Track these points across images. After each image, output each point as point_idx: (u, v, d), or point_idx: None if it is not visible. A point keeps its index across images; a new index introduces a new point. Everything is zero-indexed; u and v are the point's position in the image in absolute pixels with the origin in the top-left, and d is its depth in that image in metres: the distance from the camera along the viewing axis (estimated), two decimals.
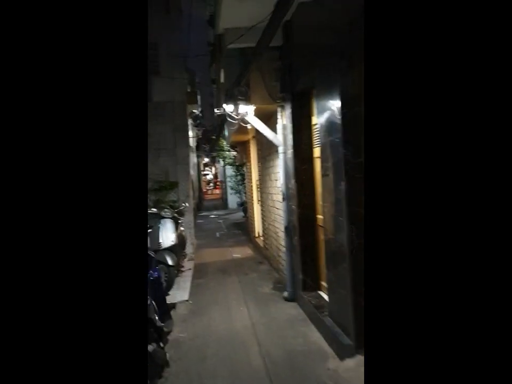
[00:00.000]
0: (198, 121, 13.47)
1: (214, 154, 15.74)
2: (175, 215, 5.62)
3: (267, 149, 5.49)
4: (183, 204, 5.40)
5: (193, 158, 14.56)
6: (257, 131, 4.65)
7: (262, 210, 6.54)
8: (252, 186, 7.84)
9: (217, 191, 30.97)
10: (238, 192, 14.99)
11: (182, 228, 5.38)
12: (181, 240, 5.16)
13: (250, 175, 7.83)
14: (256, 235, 7.75)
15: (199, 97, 8.67)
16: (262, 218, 6.58)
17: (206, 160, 30.96)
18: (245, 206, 13.26)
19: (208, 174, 36.64)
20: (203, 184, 28.68)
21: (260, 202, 6.84)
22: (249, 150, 7.73)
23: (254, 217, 7.86)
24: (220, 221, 12.47)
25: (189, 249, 6.39)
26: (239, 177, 14.20)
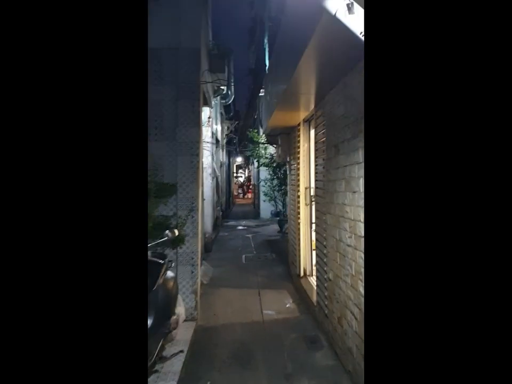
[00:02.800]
0: (226, 99, 10.90)
1: (248, 153, 13.13)
2: (159, 250, 3.04)
3: (347, 130, 2.77)
4: (168, 234, 2.72)
5: (220, 155, 12.02)
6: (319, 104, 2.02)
7: (318, 239, 3.78)
8: (297, 195, 5.10)
9: (249, 195, 28.67)
10: (272, 199, 12.29)
11: (169, 274, 2.73)
12: (164, 303, 2.51)
13: (297, 179, 5.09)
14: (301, 273, 4.99)
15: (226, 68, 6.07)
16: (318, 254, 3.82)
17: (239, 161, 28.65)
18: (281, 219, 10.55)
19: (241, 177, 34.33)
20: (234, 187, 26.30)
21: (314, 224, 4.10)
22: (298, 141, 5.00)
23: (298, 243, 5.11)
24: (249, 235, 9.81)
25: (189, 300, 3.73)
26: (275, 182, 11.52)
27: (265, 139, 8.10)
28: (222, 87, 6.56)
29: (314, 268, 4.89)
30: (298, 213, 5.03)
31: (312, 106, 3.88)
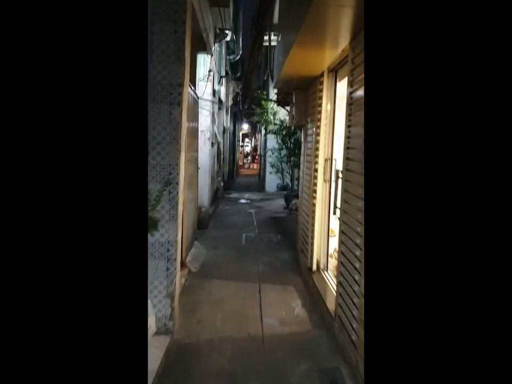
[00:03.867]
0: (233, 55, 9.58)
1: (255, 118, 11.88)
2: None
3: None
4: None
5: (224, 120, 10.78)
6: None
7: (346, 232, 2.69)
8: (314, 169, 3.98)
9: (255, 166, 27.52)
10: (279, 171, 11.16)
11: None
12: None
13: (315, 148, 3.95)
14: (313, 265, 3.95)
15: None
16: (344, 253, 2.73)
17: (246, 129, 27.27)
18: (288, 194, 9.46)
19: (247, 146, 33.02)
20: (239, 157, 25.12)
21: (340, 209, 3.00)
22: (320, 99, 3.82)
23: (312, 228, 4.05)
24: (252, 210, 8.77)
25: (162, 307, 2.71)
26: (283, 152, 10.35)
27: (276, 99, 6.87)
28: (227, 31, 5.29)
29: (331, 260, 3.84)
30: (314, 191, 3.92)
31: (347, 40, 2.69)
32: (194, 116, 4.84)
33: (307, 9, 2.21)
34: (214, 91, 7.12)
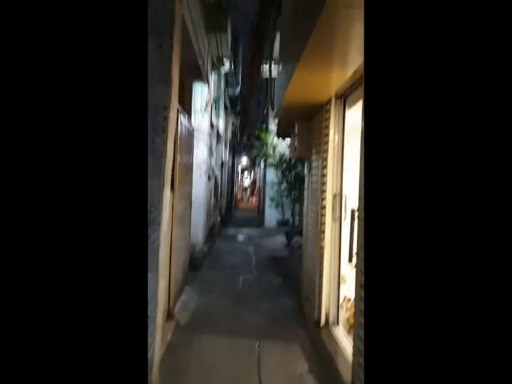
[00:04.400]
0: (232, 88, 9.37)
1: (254, 151, 11.58)
2: None
3: None
4: None
5: (222, 153, 10.45)
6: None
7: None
8: (321, 205, 3.51)
9: (254, 200, 27.17)
10: (279, 206, 10.71)
11: None
12: None
13: (322, 182, 3.51)
14: (322, 318, 3.39)
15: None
16: (362, 310, 2.21)
17: (245, 162, 27.13)
18: (290, 230, 8.95)
19: (246, 178, 32.82)
20: (238, 190, 24.77)
21: (356, 256, 2.50)
22: (326, 128, 3.44)
23: (320, 273, 3.54)
24: (250, 248, 8.23)
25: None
26: (283, 186, 9.94)
27: (276, 131, 6.54)
28: (224, 59, 5.00)
29: (342, 312, 3.29)
30: (322, 231, 3.44)
31: (360, 59, 2.31)
32: (188, 149, 4.44)
33: (314, 23, 1.85)
34: (211, 124, 6.80)
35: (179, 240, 4.02)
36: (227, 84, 9.79)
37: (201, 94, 5.88)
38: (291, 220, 9.93)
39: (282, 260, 7.14)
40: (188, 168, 4.52)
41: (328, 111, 3.37)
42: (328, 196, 3.35)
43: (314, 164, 3.87)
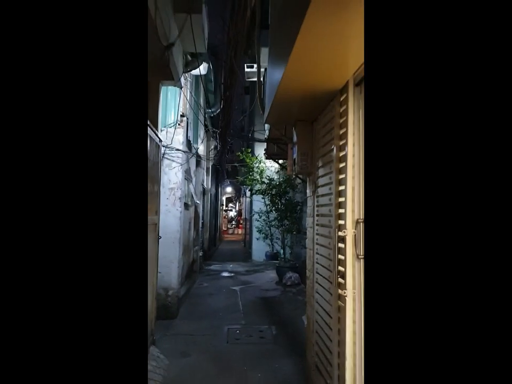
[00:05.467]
0: (213, 109, 8.49)
1: (239, 178, 10.60)
2: None
3: None
4: None
5: (204, 180, 9.40)
6: None
7: None
8: (337, 236, 2.46)
9: (240, 231, 25.99)
10: (268, 238, 9.63)
11: None
12: None
13: (336, 205, 2.48)
14: None
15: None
16: None
17: (229, 192, 26.13)
18: (282, 266, 7.81)
19: (231, 211, 31.68)
20: (222, 222, 23.61)
21: None
22: (342, 128, 2.46)
23: (338, 337, 2.43)
24: (236, 287, 7.03)
25: None
26: (272, 215, 8.89)
27: (265, 150, 5.57)
28: (200, 52, 4.06)
29: None
30: (341, 275, 2.38)
31: None
32: (153, 165, 3.40)
33: None
34: (188, 142, 5.81)
35: None
36: (208, 102, 8.92)
37: (174, 101, 4.91)
38: (282, 253, 8.85)
39: (275, 302, 5.98)
40: (153, 193, 3.46)
41: (344, 103, 2.41)
42: (348, 223, 2.32)
43: (322, 181, 2.87)
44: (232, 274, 8.54)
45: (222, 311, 5.40)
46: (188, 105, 5.57)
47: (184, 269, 6.13)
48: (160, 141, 3.67)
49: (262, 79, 3.40)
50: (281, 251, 10.56)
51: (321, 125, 2.93)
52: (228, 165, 16.40)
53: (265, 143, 5.76)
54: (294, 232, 7.80)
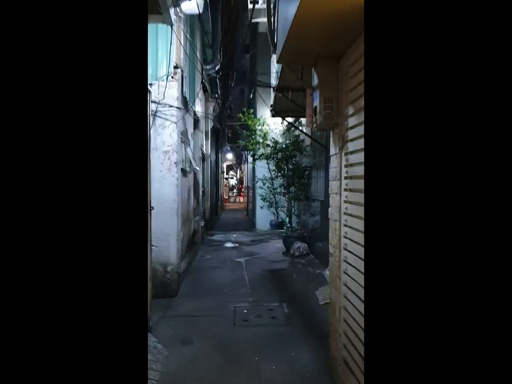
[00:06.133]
0: (212, 64, 7.70)
1: (240, 143, 9.91)
2: None
3: None
4: None
5: (204, 145, 8.68)
6: None
7: None
8: None
9: (241, 199, 25.54)
10: (272, 206, 9.07)
11: None
12: None
13: None
14: None
15: None
16: None
17: (230, 159, 25.42)
18: (289, 235, 7.28)
19: (232, 178, 31.09)
20: (224, 190, 23.07)
21: None
22: None
23: None
24: (241, 259, 6.56)
25: None
26: (277, 182, 8.29)
27: (271, 107, 4.87)
28: None
29: None
30: None
31: None
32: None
33: None
34: (184, 98, 5.10)
35: None
36: (205, 58, 8.08)
37: (166, 49, 4.18)
38: (287, 222, 8.33)
39: (284, 275, 5.50)
40: None
41: None
42: None
43: (353, 133, 2.23)
44: (236, 244, 8.06)
45: (227, 286, 4.92)
46: (182, 55, 4.82)
47: (184, 241, 5.60)
48: (148, 92, 3.00)
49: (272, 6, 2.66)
50: (287, 220, 10.03)
51: (351, 61, 2.26)
52: (228, 131, 15.61)
53: (273, 99, 5.06)
54: (302, 199, 7.23)
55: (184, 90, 5.02)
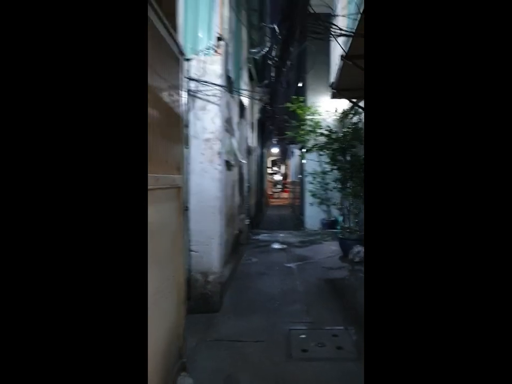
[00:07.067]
0: (258, 48, 6.97)
1: (289, 133, 9.09)
2: None
3: None
4: None
5: (249, 136, 7.94)
6: None
7: None
8: None
9: (286, 194, 24.73)
10: (324, 203, 8.17)
11: None
12: None
13: None
14: None
15: None
16: None
17: (275, 153, 24.63)
18: (347, 237, 6.35)
19: (276, 174, 30.32)
20: (268, 185, 22.36)
21: None
22: None
23: None
24: (291, 264, 5.76)
25: None
26: (329, 177, 7.38)
27: (331, 85, 4.00)
28: None
29: None
30: None
31: None
32: (168, 90, 2.03)
33: None
34: (229, 78, 4.37)
35: (154, 293, 1.65)
36: (251, 41, 7.32)
37: (208, 14, 3.46)
38: (341, 220, 7.39)
39: (345, 286, 4.63)
40: (172, 138, 2.11)
41: None
42: None
43: None
44: (284, 246, 7.26)
45: (277, 299, 4.15)
46: (227, 25, 4.07)
47: (228, 243, 4.90)
48: (182, 53, 2.27)
49: None
50: (341, 219, 9.06)
51: None
52: (273, 124, 14.77)
53: (336, 74, 4.19)
54: (361, 196, 6.28)
55: (228, 69, 4.28)
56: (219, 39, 3.81)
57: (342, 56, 2.86)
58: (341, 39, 3.20)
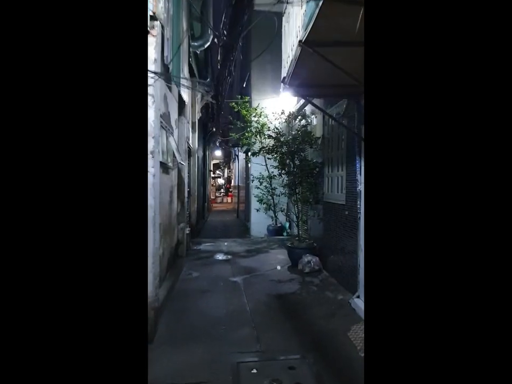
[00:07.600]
0: (201, 41, 6.42)
1: (233, 135, 8.58)
2: None
3: None
4: None
5: (190, 136, 7.21)
6: None
7: None
8: None
9: (229, 200, 24.19)
10: (270, 208, 7.77)
11: None
12: None
13: None
14: None
15: None
16: None
17: (218, 157, 24.00)
18: (295, 246, 5.96)
19: (219, 177, 29.67)
20: (211, 190, 21.67)
21: None
22: None
23: None
24: (237, 279, 5.22)
25: None
26: (275, 182, 7.01)
27: (284, 80, 3.56)
28: None
29: None
30: None
31: None
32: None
33: None
34: (165, 67, 3.75)
35: None
36: (192, 34, 6.72)
37: None
38: (287, 227, 7.02)
39: (296, 302, 4.19)
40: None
41: None
42: None
43: None
44: (228, 256, 6.71)
45: (223, 323, 3.60)
46: (162, 3, 3.45)
47: (164, 258, 4.24)
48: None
49: None
50: (287, 225, 8.72)
51: None
52: (211, 128, 14.20)
53: (289, 65, 3.76)
54: (311, 202, 5.95)
55: (165, 55, 3.67)
56: (152, 17, 3.20)
57: (300, 41, 2.43)
58: (298, 21, 2.76)
